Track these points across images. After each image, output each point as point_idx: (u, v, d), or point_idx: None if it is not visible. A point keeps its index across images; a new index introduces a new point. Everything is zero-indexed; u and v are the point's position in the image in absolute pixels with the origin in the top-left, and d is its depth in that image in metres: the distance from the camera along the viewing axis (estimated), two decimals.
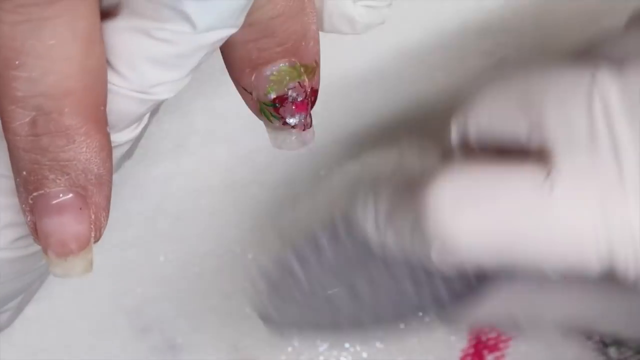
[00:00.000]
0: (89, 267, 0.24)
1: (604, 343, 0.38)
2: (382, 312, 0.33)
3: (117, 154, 0.25)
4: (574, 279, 0.27)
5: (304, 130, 0.26)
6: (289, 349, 0.38)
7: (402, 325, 0.34)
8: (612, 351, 0.38)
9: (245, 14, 0.23)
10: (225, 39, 0.23)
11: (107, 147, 0.23)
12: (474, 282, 0.32)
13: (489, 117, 0.28)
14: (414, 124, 0.38)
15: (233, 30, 0.23)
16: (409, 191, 0.29)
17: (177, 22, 0.22)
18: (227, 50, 0.25)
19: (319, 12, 0.27)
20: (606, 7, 0.39)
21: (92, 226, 0.24)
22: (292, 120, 0.26)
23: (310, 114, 0.27)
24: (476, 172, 0.27)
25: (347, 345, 0.38)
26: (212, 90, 0.37)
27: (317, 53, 0.26)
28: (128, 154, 0.28)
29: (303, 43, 0.25)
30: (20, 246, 0.26)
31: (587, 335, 0.38)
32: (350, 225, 0.32)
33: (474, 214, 0.26)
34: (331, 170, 0.38)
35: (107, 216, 0.24)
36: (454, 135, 0.30)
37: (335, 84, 0.38)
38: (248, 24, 0.24)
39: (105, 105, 0.23)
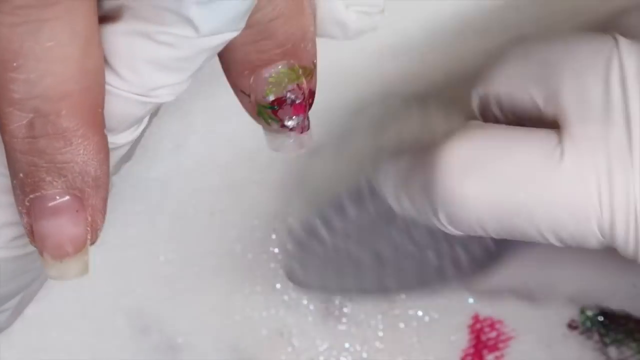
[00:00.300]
0: (85, 269, 0.24)
1: (604, 343, 0.38)
2: (405, 276, 0.34)
3: (116, 156, 0.25)
4: (581, 251, 0.27)
5: (302, 132, 0.26)
6: (289, 348, 0.38)
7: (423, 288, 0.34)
8: (612, 351, 0.38)
9: (247, 17, 0.23)
10: (227, 43, 0.23)
11: (105, 149, 0.23)
12: (492, 248, 0.32)
13: (508, 86, 0.28)
14: (413, 124, 0.38)
15: (235, 34, 0.23)
16: (424, 154, 0.29)
17: (180, 26, 0.22)
18: (226, 52, 0.25)
19: (314, 13, 0.27)
20: (606, 7, 0.39)
21: (88, 229, 0.24)
22: (290, 123, 0.26)
23: (308, 117, 0.26)
24: (487, 136, 0.27)
25: (347, 345, 0.38)
26: (212, 90, 0.37)
27: (315, 55, 0.26)
28: (127, 156, 0.28)
29: (302, 45, 0.25)
30: (18, 245, 0.26)
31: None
32: (374, 190, 0.32)
33: (480, 177, 0.26)
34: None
35: (103, 219, 0.24)
36: (474, 103, 0.30)
37: (335, 83, 0.38)
38: (248, 26, 0.24)
39: (102, 107, 0.23)
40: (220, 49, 0.23)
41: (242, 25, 0.23)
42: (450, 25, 0.39)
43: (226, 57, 0.25)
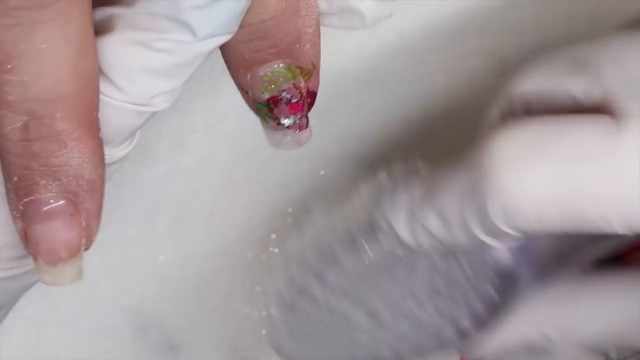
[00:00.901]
0: (79, 275, 0.24)
1: None
2: (401, 343, 0.32)
3: (112, 170, 0.24)
4: (607, 282, 0.26)
5: (299, 131, 0.26)
6: None
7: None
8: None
9: (240, 19, 0.23)
10: (218, 46, 0.23)
11: (99, 152, 0.23)
12: (496, 300, 0.31)
13: (538, 84, 0.28)
14: (412, 124, 0.38)
15: (229, 37, 0.23)
16: (454, 162, 0.28)
17: (177, 31, 0.22)
18: (223, 51, 0.25)
19: (328, 9, 0.27)
20: (606, 7, 0.39)
21: (82, 233, 0.23)
22: (286, 121, 0.26)
23: (306, 115, 0.26)
24: (538, 122, 0.26)
25: None
26: (212, 90, 0.37)
27: (315, 56, 0.26)
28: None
29: (297, 45, 0.25)
30: (17, 266, 0.26)
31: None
32: (370, 235, 0.31)
33: (539, 162, 0.25)
34: (335, 177, 0.38)
35: (98, 224, 0.24)
36: (495, 110, 0.29)
37: (335, 83, 0.38)
38: (241, 25, 0.23)
39: (97, 110, 0.22)
40: (211, 53, 0.23)
41: (236, 27, 0.23)
42: (450, 25, 0.39)
43: (224, 54, 0.25)
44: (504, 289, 0.30)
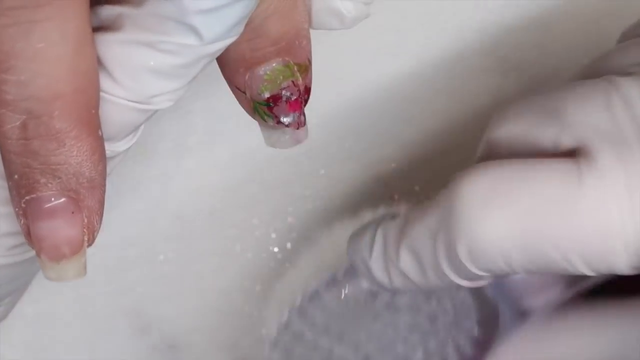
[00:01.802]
0: (82, 271, 0.24)
1: None
2: None
3: (114, 163, 0.24)
4: (594, 313, 0.26)
5: (297, 128, 0.26)
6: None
7: None
8: None
9: (246, 21, 0.23)
10: (224, 49, 0.23)
11: (99, 150, 0.23)
12: (480, 336, 0.30)
13: (509, 131, 0.28)
14: (412, 123, 0.38)
15: (235, 38, 0.23)
16: (427, 203, 0.28)
17: (184, 35, 0.22)
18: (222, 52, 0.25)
19: (307, 9, 0.27)
20: (605, 6, 0.39)
21: (84, 230, 0.23)
22: (286, 119, 0.25)
23: (304, 112, 0.26)
24: (505, 166, 0.26)
25: None
26: (212, 90, 0.37)
27: (309, 52, 0.26)
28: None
29: (296, 42, 0.25)
30: (17, 253, 0.26)
31: None
32: (351, 275, 0.31)
33: (503, 205, 0.26)
34: (331, 171, 0.38)
35: (100, 220, 0.24)
36: (479, 153, 0.29)
37: (334, 83, 0.38)
38: None
39: (96, 108, 0.22)
40: (219, 53, 0.23)
41: (242, 29, 0.23)
42: (450, 25, 0.38)
43: (221, 55, 0.25)
44: (486, 324, 0.31)
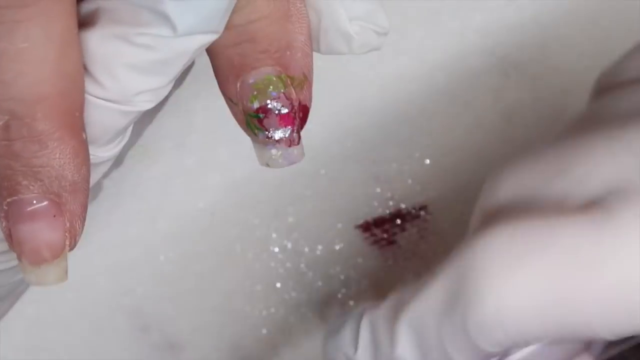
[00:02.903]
0: (63, 275, 0.23)
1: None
2: None
3: (99, 171, 0.24)
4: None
5: (290, 146, 0.25)
6: (289, 347, 0.37)
7: None
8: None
9: (226, 18, 0.22)
10: (207, 45, 0.23)
11: (82, 153, 0.22)
12: None
13: (517, 191, 0.27)
14: (412, 124, 0.38)
15: (214, 37, 0.22)
16: (426, 278, 0.26)
17: (158, 25, 0.21)
18: (211, 58, 0.24)
19: (315, 32, 0.26)
20: (605, 6, 0.38)
21: (66, 234, 0.23)
22: (276, 134, 0.24)
23: (298, 131, 0.25)
24: (518, 230, 0.25)
25: None
26: (212, 90, 0.37)
27: (307, 66, 0.25)
28: (118, 161, 0.28)
29: (288, 52, 0.24)
30: (3, 260, 0.26)
31: None
32: None
33: (521, 276, 0.24)
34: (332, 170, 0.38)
35: (82, 224, 0.23)
36: (475, 224, 0.28)
37: (334, 83, 0.38)
38: (228, 27, 0.23)
39: (81, 111, 0.22)
40: (199, 52, 0.23)
41: (221, 27, 0.22)
42: (451, 25, 0.38)
43: (213, 63, 0.24)
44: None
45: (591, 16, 0.38)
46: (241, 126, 0.25)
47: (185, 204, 0.37)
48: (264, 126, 0.24)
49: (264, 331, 0.37)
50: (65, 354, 0.37)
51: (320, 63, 0.38)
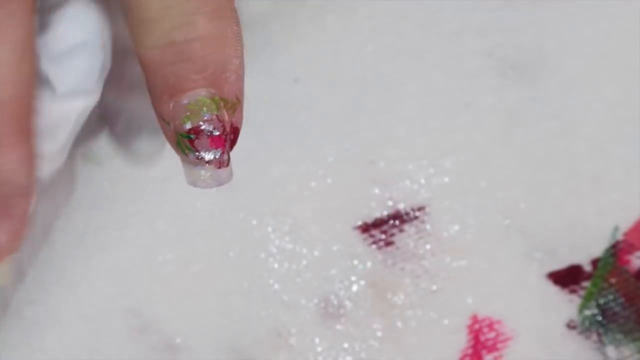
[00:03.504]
0: (4, 276, 0.23)
1: (603, 342, 0.37)
2: None
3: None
4: None
5: (219, 167, 0.25)
6: (287, 349, 0.37)
7: None
8: (611, 350, 0.37)
9: (102, 80, 0.23)
10: (87, 110, 0.23)
11: (32, 159, 0.22)
12: None
13: None
14: (412, 124, 0.38)
15: (92, 100, 0.22)
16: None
17: (41, 86, 0.22)
18: (147, 75, 0.24)
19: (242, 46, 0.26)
20: (605, 6, 0.38)
21: (10, 238, 0.23)
22: (207, 155, 0.25)
23: (228, 153, 0.25)
24: None
25: (345, 345, 0.37)
26: None
27: (240, 90, 0.25)
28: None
29: (223, 75, 0.24)
30: None
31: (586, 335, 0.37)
32: None
33: None
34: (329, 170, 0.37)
35: (26, 228, 0.23)
36: None
37: (333, 84, 0.38)
38: (165, 44, 0.23)
39: (32, 116, 0.22)
40: (81, 120, 0.23)
41: (98, 88, 0.23)
42: (450, 25, 0.38)
43: (148, 80, 0.24)
44: None
45: (591, 17, 0.38)
46: (172, 145, 0.25)
47: (184, 205, 0.37)
48: (194, 147, 0.24)
49: (262, 332, 0.37)
50: (63, 354, 0.36)
51: (320, 63, 0.38)
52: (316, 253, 0.37)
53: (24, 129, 0.22)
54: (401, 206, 0.38)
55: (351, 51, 0.38)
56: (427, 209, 0.38)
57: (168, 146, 0.37)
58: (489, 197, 0.38)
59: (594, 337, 0.37)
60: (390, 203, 0.38)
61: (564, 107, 0.38)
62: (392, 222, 0.38)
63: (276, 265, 0.37)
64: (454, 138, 0.38)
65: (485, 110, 0.38)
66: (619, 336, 0.37)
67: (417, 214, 0.38)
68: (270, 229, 0.37)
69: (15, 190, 0.22)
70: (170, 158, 0.37)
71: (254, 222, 0.37)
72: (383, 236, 0.37)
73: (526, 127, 0.38)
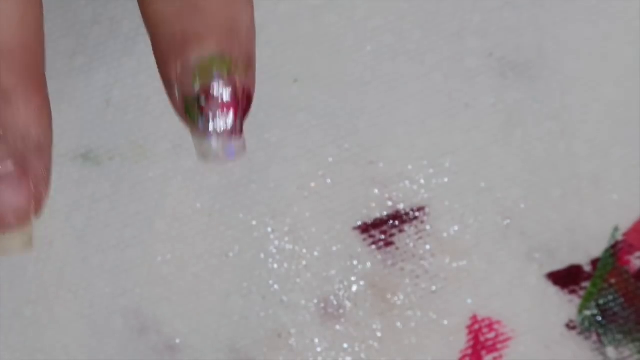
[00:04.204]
0: (29, 242, 0.21)
1: (602, 343, 0.37)
2: None
3: None
4: None
5: (231, 135, 0.23)
6: (287, 349, 0.37)
7: None
8: (610, 351, 0.37)
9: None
10: None
11: (47, 110, 0.21)
12: None
13: None
14: (412, 124, 0.38)
15: None
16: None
17: None
18: (152, 34, 0.22)
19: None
20: (604, 6, 0.38)
21: (31, 199, 0.21)
22: (218, 123, 0.22)
23: (241, 119, 0.23)
24: None
25: (345, 345, 0.37)
26: None
27: (252, 51, 0.23)
28: None
29: (233, 33, 0.22)
30: None
31: (586, 335, 0.37)
32: None
33: None
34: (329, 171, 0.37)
35: (48, 189, 0.22)
36: None
37: (333, 84, 0.38)
38: None
39: (43, 67, 0.21)
40: None
41: None
42: (450, 25, 0.38)
43: (153, 40, 0.23)
44: None
45: (591, 17, 0.38)
46: (179, 113, 0.23)
47: (183, 205, 0.37)
48: (204, 113, 0.22)
49: (262, 333, 0.37)
50: (63, 354, 0.36)
51: (320, 63, 0.38)
52: (316, 253, 0.37)
53: (35, 80, 0.21)
54: (401, 206, 0.37)
55: (351, 51, 0.38)
56: (426, 209, 0.37)
57: (168, 146, 0.37)
58: (488, 197, 0.37)
59: (594, 337, 0.37)
60: (389, 203, 0.37)
61: (564, 107, 0.38)
62: (391, 222, 0.37)
63: (276, 266, 0.37)
64: (453, 138, 0.38)
65: (485, 110, 0.38)
66: (619, 336, 0.37)
67: (417, 214, 0.37)
68: (269, 230, 0.37)
69: (32, 147, 0.21)
70: (170, 158, 0.37)
71: (254, 222, 0.37)
72: (383, 236, 0.37)
73: (526, 127, 0.38)
